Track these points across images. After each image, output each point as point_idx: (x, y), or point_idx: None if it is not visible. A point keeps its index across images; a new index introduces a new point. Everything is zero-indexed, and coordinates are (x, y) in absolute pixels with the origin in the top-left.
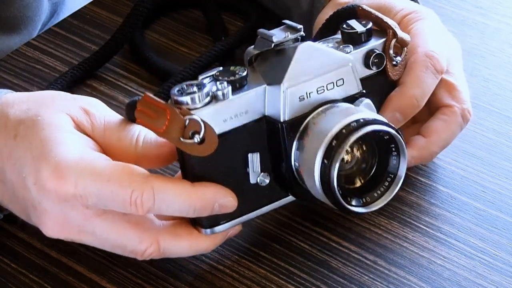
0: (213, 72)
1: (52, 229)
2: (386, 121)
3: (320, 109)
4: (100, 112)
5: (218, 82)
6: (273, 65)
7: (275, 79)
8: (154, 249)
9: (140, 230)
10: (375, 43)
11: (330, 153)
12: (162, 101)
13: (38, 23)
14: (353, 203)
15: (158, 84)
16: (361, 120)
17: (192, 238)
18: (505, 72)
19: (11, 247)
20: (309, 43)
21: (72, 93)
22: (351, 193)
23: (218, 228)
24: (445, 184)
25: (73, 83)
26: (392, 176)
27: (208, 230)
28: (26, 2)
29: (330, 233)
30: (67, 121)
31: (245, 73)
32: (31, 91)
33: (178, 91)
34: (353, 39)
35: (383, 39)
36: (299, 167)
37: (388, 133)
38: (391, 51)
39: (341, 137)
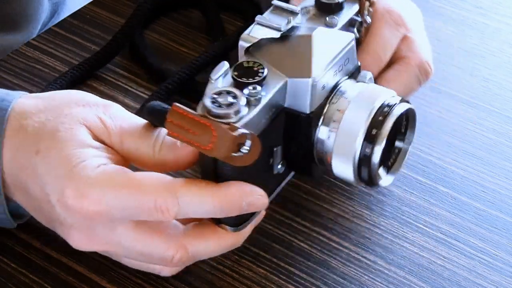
0: (224, 70)
1: (79, 242)
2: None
3: (336, 92)
4: (117, 119)
5: (250, 87)
6: (287, 55)
7: (298, 71)
8: (182, 254)
9: (165, 237)
10: (351, 9)
11: (371, 139)
12: (199, 115)
13: (38, 21)
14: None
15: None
16: (391, 104)
17: (219, 237)
18: (505, 72)
19: (11, 247)
20: (320, 29)
21: None
22: None
23: (243, 224)
24: (445, 184)
25: (73, 83)
26: (399, 148)
27: (233, 228)
28: (26, 0)
29: (330, 233)
30: (86, 134)
31: (266, 71)
32: (32, 91)
33: (213, 103)
34: (331, 8)
35: (356, 4)
36: (324, 152)
37: (412, 110)
38: (366, 16)
39: (378, 122)
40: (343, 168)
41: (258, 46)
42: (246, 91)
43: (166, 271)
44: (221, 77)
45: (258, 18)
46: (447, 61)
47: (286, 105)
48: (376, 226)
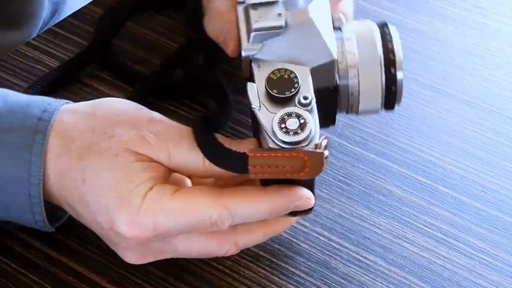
0: (256, 92)
1: (134, 259)
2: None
3: (342, 46)
4: (162, 136)
5: (298, 97)
6: (298, 45)
7: (319, 58)
8: (234, 250)
9: (218, 238)
10: None
11: (391, 64)
12: (280, 150)
13: (39, 19)
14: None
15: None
16: (385, 29)
17: (265, 227)
18: (505, 72)
19: (11, 247)
20: (312, 6)
21: (68, 93)
22: None
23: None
24: (445, 184)
25: (53, 85)
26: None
27: None
28: None
29: (330, 233)
30: (131, 158)
31: (297, 75)
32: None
33: (285, 133)
34: None
35: None
36: (351, 97)
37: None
38: None
39: (389, 49)
40: (371, 101)
41: (263, 50)
42: (297, 103)
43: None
44: (260, 102)
45: (254, 25)
46: (447, 61)
47: (315, 87)
48: (376, 226)
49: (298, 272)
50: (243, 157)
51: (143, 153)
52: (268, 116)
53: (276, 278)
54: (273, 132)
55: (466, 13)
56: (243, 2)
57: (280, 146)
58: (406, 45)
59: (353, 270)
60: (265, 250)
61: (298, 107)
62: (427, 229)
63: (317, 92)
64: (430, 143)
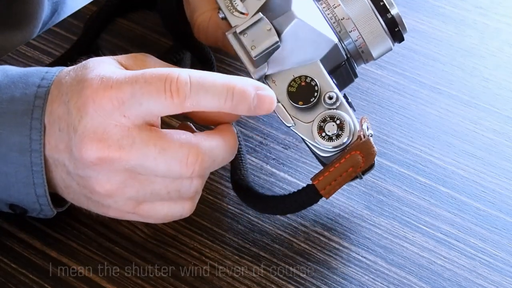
0: (285, 110)
1: (91, 149)
2: None
3: (333, 17)
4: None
5: (324, 101)
6: (299, 46)
7: (322, 48)
8: (195, 152)
9: (178, 139)
10: None
11: (384, 8)
12: (336, 162)
13: (39, 20)
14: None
15: None
16: None
17: (225, 133)
18: (505, 72)
19: (11, 247)
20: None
21: None
22: None
23: None
24: (445, 184)
25: None
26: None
27: None
28: None
29: (330, 233)
30: (114, 59)
31: (313, 76)
32: None
33: (328, 140)
34: None
35: None
36: (361, 54)
37: None
38: None
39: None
40: (381, 45)
41: (271, 67)
42: (325, 105)
43: (187, 207)
44: (292, 118)
45: (253, 53)
46: (447, 61)
47: (329, 69)
48: (376, 226)
49: (298, 272)
50: (311, 187)
51: (125, 64)
52: (307, 129)
53: (276, 278)
54: (318, 144)
55: (466, 13)
56: (229, 30)
57: (331, 154)
58: (406, 45)
59: (353, 270)
60: (265, 250)
61: (328, 108)
62: (427, 229)
63: (333, 71)
64: (430, 143)
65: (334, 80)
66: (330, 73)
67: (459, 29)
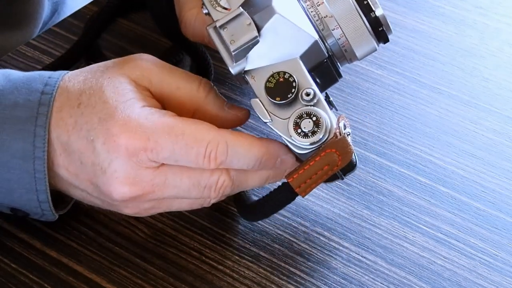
0: (262, 106)
1: (123, 190)
2: None
3: (314, 13)
4: (155, 68)
5: (301, 96)
6: (278, 42)
7: (302, 45)
8: (226, 178)
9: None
10: None
11: (367, 7)
12: (311, 159)
13: (39, 20)
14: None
15: None
16: None
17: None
18: (505, 72)
19: (11, 247)
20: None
21: None
22: None
23: None
24: (445, 184)
25: None
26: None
27: None
28: None
29: (330, 233)
30: (126, 80)
31: (291, 73)
32: None
33: (303, 136)
34: None
35: None
36: (344, 54)
37: None
38: None
39: None
40: (365, 45)
41: (250, 62)
42: (303, 101)
43: (214, 195)
44: (269, 114)
45: (231, 47)
46: (447, 61)
47: (310, 67)
48: (376, 226)
49: (298, 272)
50: (286, 186)
51: (138, 82)
52: (283, 125)
53: (276, 278)
54: (293, 140)
55: (466, 13)
56: (210, 24)
57: (307, 151)
58: (406, 45)
59: (353, 270)
60: (265, 250)
61: (305, 104)
62: (427, 229)
63: (314, 69)
64: (430, 143)
65: (316, 78)
66: (311, 71)
67: (459, 29)
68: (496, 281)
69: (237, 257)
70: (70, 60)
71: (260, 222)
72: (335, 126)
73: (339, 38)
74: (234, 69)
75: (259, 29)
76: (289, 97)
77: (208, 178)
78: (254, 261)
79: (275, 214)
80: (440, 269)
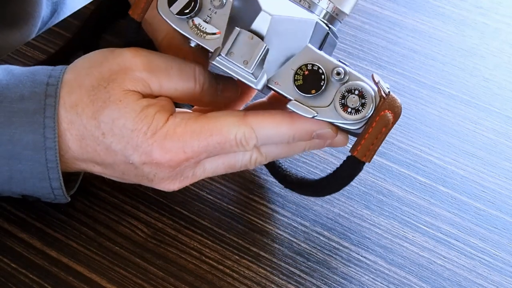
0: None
1: (172, 187)
2: None
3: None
4: (153, 70)
5: (333, 77)
6: (286, 41)
7: (306, 32)
8: (259, 155)
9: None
10: None
11: None
12: (368, 129)
13: (38, 19)
14: None
15: None
16: None
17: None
18: (505, 72)
19: (11, 247)
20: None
21: None
22: None
23: None
24: (445, 184)
25: None
26: None
27: None
28: None
29: (330, 233)
30: (134, 97)
31: (315, 61)
32: None
33: (357, 111)
34: None
35: None
36: (337, 16)
37: None
38: None
39: None
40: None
41: (268, 71)
42: (336, 82)
43: (250, 168)
44: (312, 109)
45: (249, 69)
46: (447, 61)
47: (318, 45)
48: (376, 226)
49: (298, 272)
50: (351, 159)
51: (139, 91)
52: (330, 111)
53: (276, 278)
54: (348, 121)
55: (466, 13)
56: (212, 55)
57: (362, 124)
58: (406, 45)
59: (353, 270)
60: (265, 250)
61: (341, 83)
62: (427, 229)
63: (321, 46)
64: (430, 143)
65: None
66: (320, 49)
67: (459, 29)
68: (496, 281)
69: (237, 257)
70: (64, 56)
71: (260, 222)
72: (375, 87)
73: (327, 6)
74: (258, 85)
75: (262, 37)
76: (323, 85)
77: (242, 159)
78: (254, 261)
79: (275, 214)
80: (440, 268)
